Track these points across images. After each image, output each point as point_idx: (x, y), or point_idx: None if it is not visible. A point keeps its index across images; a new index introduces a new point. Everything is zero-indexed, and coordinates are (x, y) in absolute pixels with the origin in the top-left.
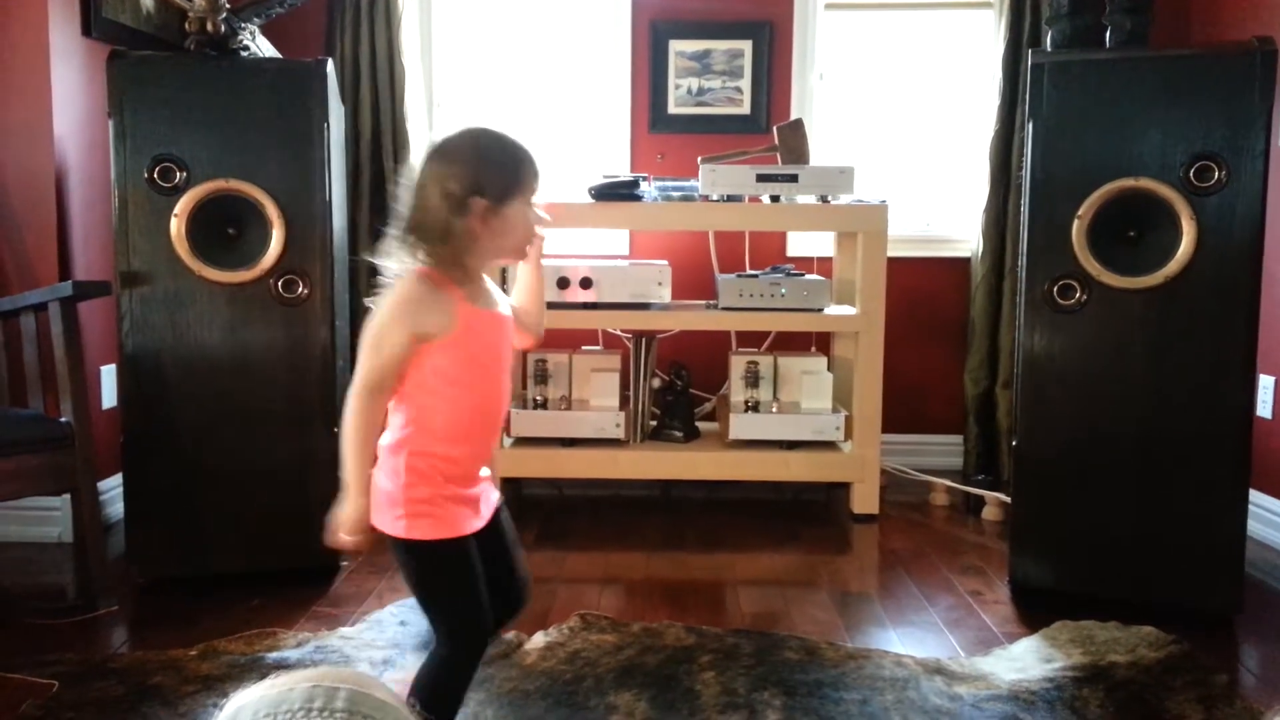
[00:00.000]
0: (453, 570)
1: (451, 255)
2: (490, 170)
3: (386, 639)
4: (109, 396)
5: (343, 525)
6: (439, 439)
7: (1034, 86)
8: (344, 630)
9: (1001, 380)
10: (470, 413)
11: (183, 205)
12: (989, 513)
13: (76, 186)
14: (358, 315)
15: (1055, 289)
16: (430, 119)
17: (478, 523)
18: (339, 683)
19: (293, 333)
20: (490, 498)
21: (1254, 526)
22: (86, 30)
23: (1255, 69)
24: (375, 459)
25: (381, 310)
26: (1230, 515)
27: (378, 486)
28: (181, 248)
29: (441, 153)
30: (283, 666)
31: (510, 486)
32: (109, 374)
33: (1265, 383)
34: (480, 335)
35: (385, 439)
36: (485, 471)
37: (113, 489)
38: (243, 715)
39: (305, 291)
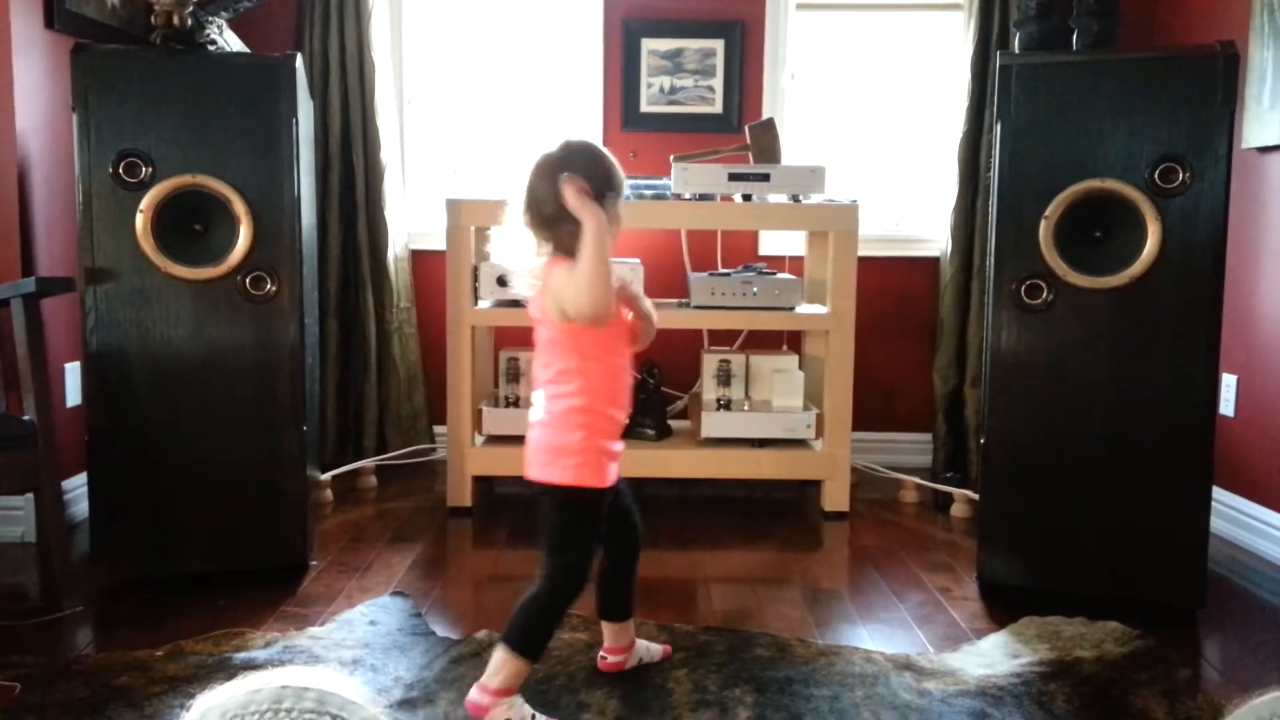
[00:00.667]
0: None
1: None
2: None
3: (356, 639)
4: (73, 394)
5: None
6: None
7: (1002, 88)
8: (313, 630)
9: (970, 378)
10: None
11: (148, 201)
12: (957, 510)
13: (40, 182)
14: (326, 313)
15: (1022, 288)
16: (400, 115)
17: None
18: (307, 683)
19: (261, 330)
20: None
21: (1216, 523)
22: (49, 23)
23: (1218, 72)
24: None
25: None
26: (1194, 512)
27: (550, 440)
28: (147, 244)
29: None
30: (251, 667)
31: (482, 485)
32: (73, 371)
33: (1228, 381)
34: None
35: (560, 403)
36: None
37: (77, 488)
38: (210, 717)
39: (273, 289)
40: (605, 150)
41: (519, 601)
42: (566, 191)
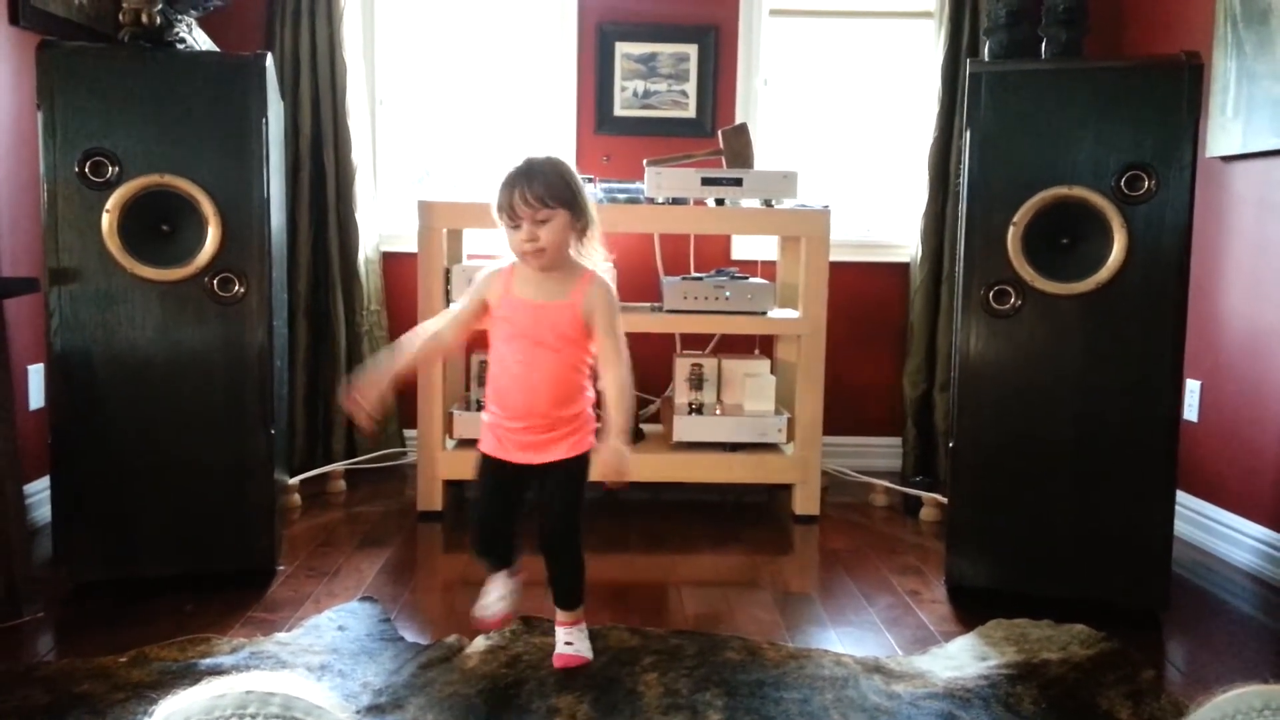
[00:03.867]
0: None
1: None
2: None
3: (324, 644)
4: (36, 397)
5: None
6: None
7: (972, 95)
8: (280, 636)
9: (939, 383)
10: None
11: (115, 200)
12: (927, 513)
13: (3, 180)
14: (295, 315)
15: (991, 294)
16: (372, 116)
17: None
18: (273, 688)
19: (229, 332)
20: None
21: (1180, 527)
22: (14, 19)
23: (1184, 82)
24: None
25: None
26: (1158, 516)
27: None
28: (113, 244)
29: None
30: (217, 673)
31: (453, 489)
32: (36, 373)
33: (1192, 387)
34: (509, 316)
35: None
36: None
37: (40, 492)
38: None
39: (241, 290)
40: (511, 168)
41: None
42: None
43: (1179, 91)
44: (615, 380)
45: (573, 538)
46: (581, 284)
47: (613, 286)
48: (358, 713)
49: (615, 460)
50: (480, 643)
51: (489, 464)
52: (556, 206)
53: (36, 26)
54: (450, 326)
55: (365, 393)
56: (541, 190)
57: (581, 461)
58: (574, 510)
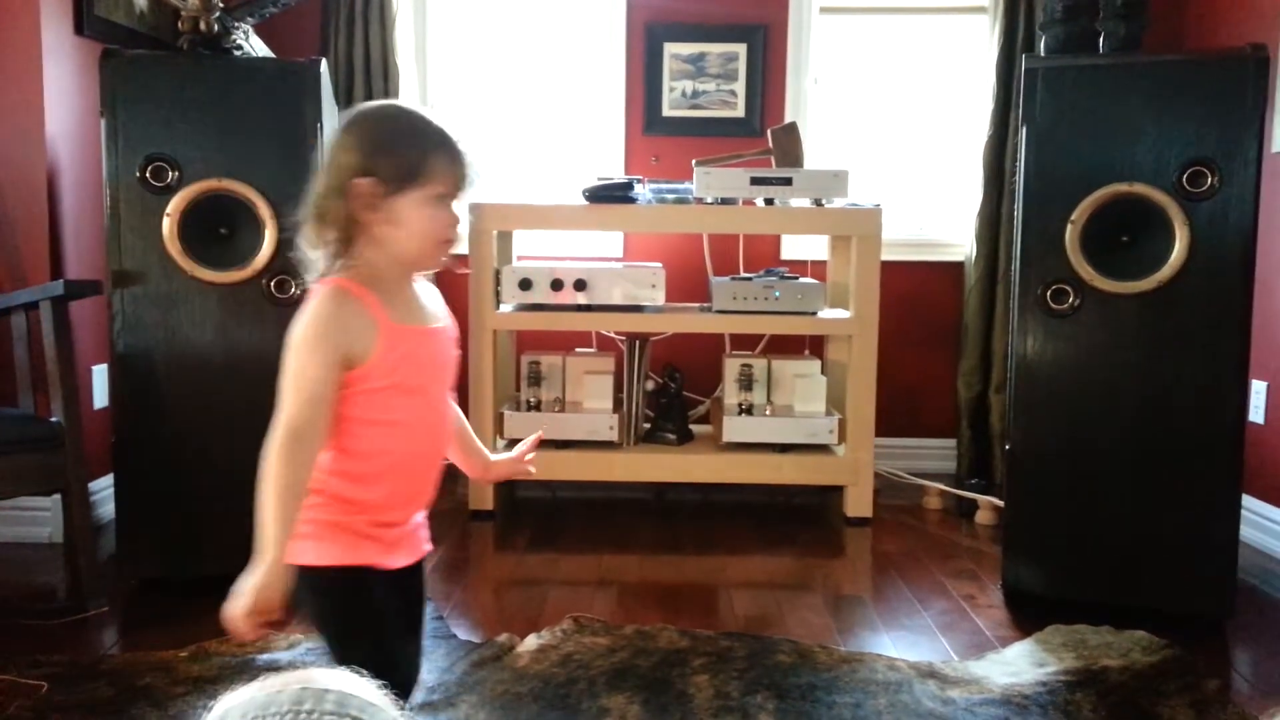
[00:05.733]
0: (352, 605)
1: (343, 250)
2: (385, 148)
3: None
4: (100, 396)
5: (251, 597)
6: (354, 478)
7: (1028, 91)
8: None
9: (994, 384)
10: (402, 450)
11: (175, 204)
12: (982, 516)
13: (68, 186)
14: None
15: (1048, 293)
16: None
17: (392, 559)
18: (328, 684)
19: (285, 333)
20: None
21: (1246, 531)
22: (79, 29)
23: (1248, 75)
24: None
25: (294, 335)
26: (1223, 520)
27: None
28: (173, 247)
29: (346, 123)
30: (273, 668)
31: (504, 489)
32: (100, 374)
33: (1258, 388)
34: (408, 357)
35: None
36: (419, 516)
37: (104, 489)
38: (230, 718)
39: (299, 292)
40: (431, 121)
41: None
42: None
43: (1243, 85)
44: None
45: None
46: (436, 296)
47: None
48: (410, 710)
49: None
50: (532, 642)
51: (384, 582)
52: None
53: (100, 36)
54: (316, 442)
55: (265, 605)
56: None
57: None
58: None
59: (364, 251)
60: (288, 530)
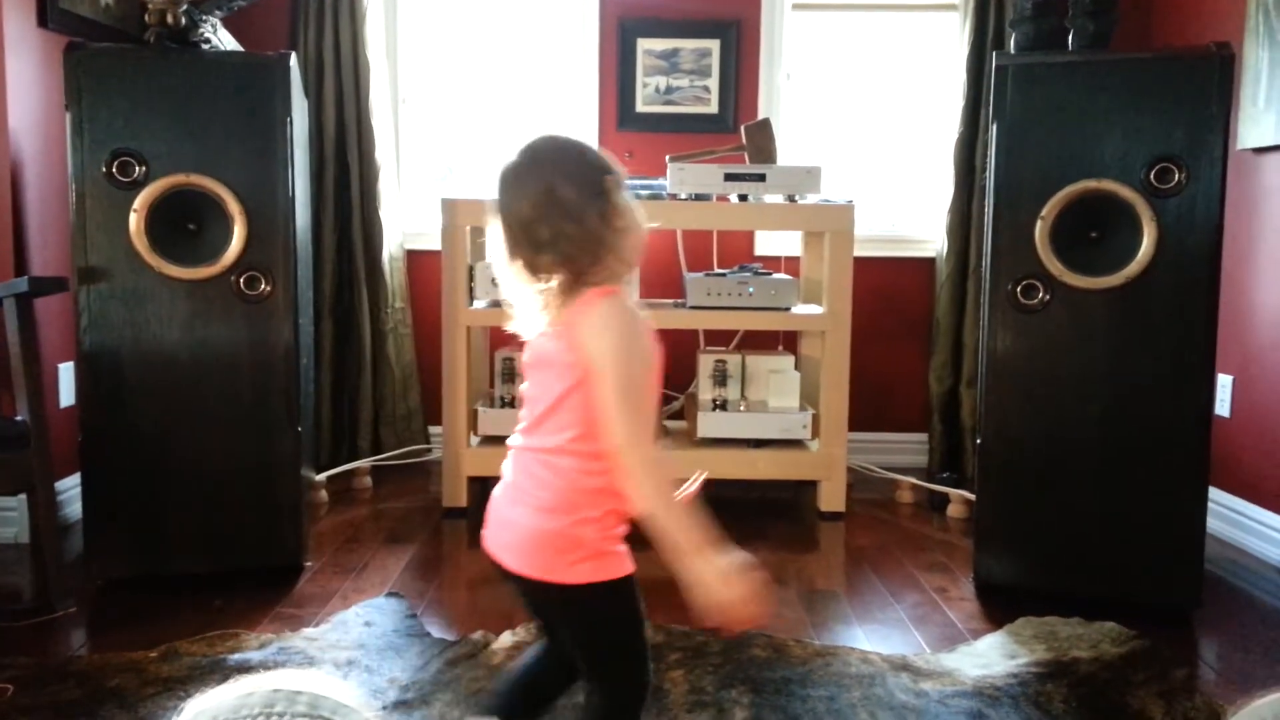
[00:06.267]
0: (630, 608)
1: (589, 271)
2: (582, 167)
3: (351, 640)
4: (66, 395)
5: (735, 594)
6: (616, 493)
7: (998, 88)
8: (308, 631)
9: (965, 379)
10: None
11: (142, 200)
12: (954, 510)
13: (33, 181)
14: (320, 313)
15: (1018, 289)
16: (395, 114)
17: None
18: (300, 686)
19: (255, 331)
20: None
21: (1212, 523)
22: (42, 21)
23: (1214, 73)
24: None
25: (609, 348)
26: (1190, 512)
27: (558, 531)
28: (141, 243)
29: (529, 170)
30: (245, 668)
31: (478, 485)
32: (66, 372)
33: (1223, 382)
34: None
35: (581, 481)
36: None
37: (71, 489)
38: None
39: (268, 289)
40: (584, 145)
41: (545, 699)
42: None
43: (1209, 83)
44: None
45: None
46: None
47: None
48: (385, 708)
49: None
50: (506, 639)
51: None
52: None
53: (64, 28)
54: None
55: (744, 596)
56: None
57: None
58: None
59: (609, 264)
60: (698, 530)
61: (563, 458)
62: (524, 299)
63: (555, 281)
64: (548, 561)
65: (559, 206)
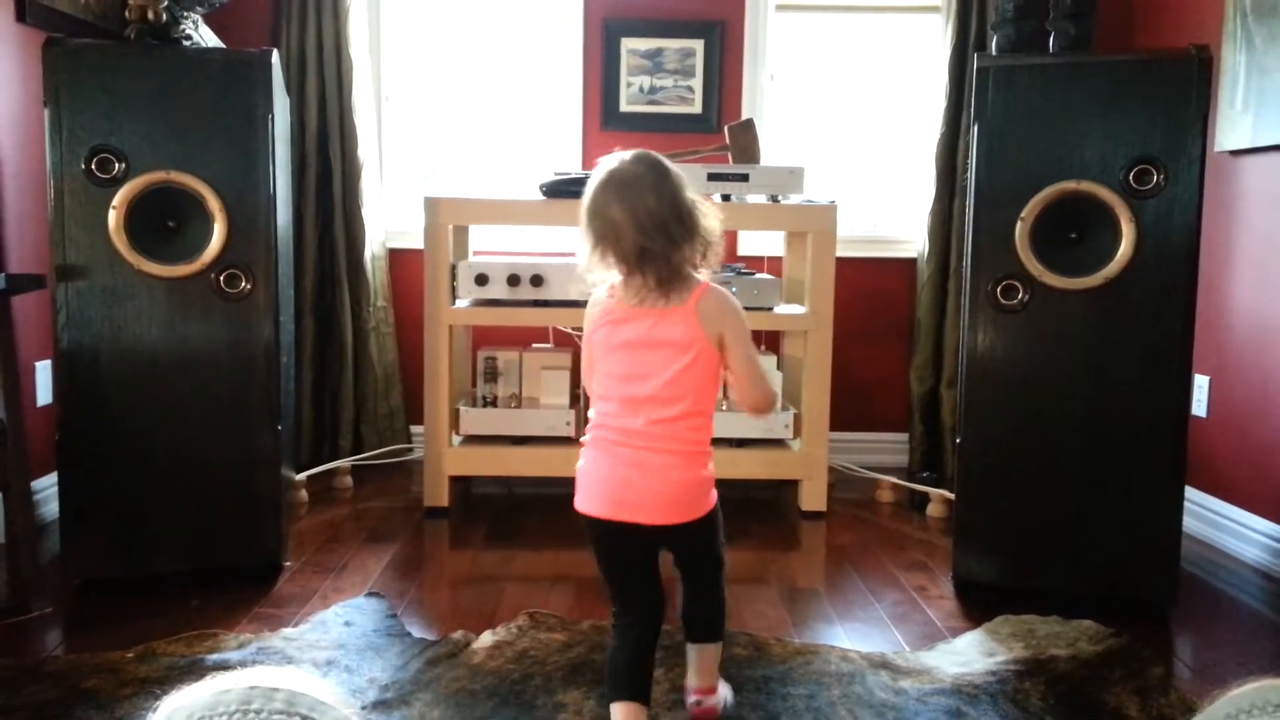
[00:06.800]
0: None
1: (714, 260)
2: (677, 172)
3: (330, 639)
4: (44, 393)
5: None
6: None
7: (979, 90)
8: (287, 631)
9: (946, 379)
10: None
11: (121, 197)
12: (933, 509)
13: (10, 177)
14: (302, 312)
15: (998, 289)
16: (378, 112)
17: None
18: (277, 683)
19: (235, 329)
20: None
21: (1188, 522)
22: (20, 16)
23: (1192, 76)
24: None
25: (738, 325)
26: (1166, 511)
27: (699, 478)
28: (120, 241)
29: (655, 177)
30: (224, 668)
31: (459, 485)
32: (44, 370)
33: (1200, 382)
34: None
35: (699, 435)
36: None
37: (47, 488)
38: (176, 718)
39: (248, 286)
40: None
41: (698, 605)
42: None
43: (1188, 85)
44: None
45: None
46: None
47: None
48: (364, 708)
49: None
50: (487, 639)
51: None
52: None
53: (42, 24)
54: None
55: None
56: None
57: None
58: None
59: (709, 260)
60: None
61: (682, 422)
62: (628, 287)
63: (681, 272)
64: (696, 502)
65: (686, 209)
